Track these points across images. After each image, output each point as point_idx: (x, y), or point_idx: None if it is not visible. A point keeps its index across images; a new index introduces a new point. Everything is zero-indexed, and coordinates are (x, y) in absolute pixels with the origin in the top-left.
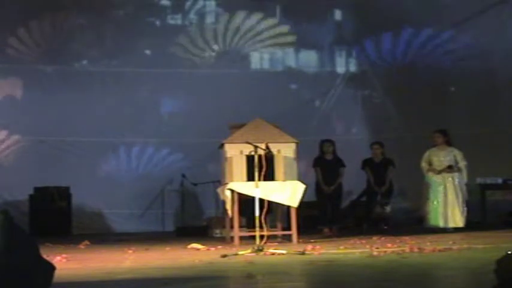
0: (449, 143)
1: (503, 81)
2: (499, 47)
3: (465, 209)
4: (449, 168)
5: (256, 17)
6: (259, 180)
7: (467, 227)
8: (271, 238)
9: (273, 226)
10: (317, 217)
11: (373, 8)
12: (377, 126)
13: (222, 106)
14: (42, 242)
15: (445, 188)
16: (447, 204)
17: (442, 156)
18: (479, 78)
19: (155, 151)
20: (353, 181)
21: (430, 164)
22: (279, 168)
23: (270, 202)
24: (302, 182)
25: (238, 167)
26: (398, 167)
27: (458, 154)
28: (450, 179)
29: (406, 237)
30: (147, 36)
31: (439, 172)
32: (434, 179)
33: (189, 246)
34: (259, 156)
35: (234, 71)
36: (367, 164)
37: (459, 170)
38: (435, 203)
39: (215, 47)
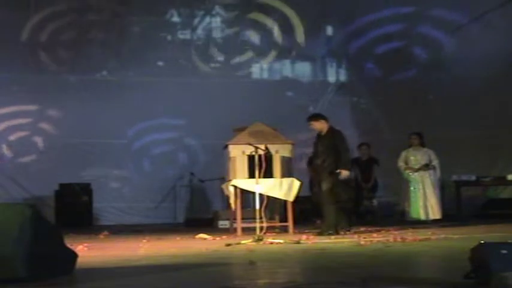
0: (423, 144)
1: (474, 89)
2: (472, 58)
3: (440, 201)
4: (426, 167)
5: (256, 32)
6: (259, 177)
7: (444, 219)
8: (270, 229)
9: (271, 218)
10: (311, 210)
11: (359, 25)
12: (364, 129)
13: (226, 111)
14: (67, 232)
15: (423, 184)
16: (426, 199)
17: (419, 156)
18: (453, 87)
19: (166, 151)
20: None
21: (406, 163)
22: (277, 166)
23: (268, 197)
24: (297, 179)
25: (241, 165)
26: (383, 165)
27: (431, 154)
28: (427, 176)
29: (390, 228)
30: (160, 50)
31: (417, 170)
32: (412, 176)
33: (197, 236)
34: (259, 156)
35: (237, 80)
36: (355, 162)
37: (433, 167)
38: (415, 198)
39: (220, 58)
